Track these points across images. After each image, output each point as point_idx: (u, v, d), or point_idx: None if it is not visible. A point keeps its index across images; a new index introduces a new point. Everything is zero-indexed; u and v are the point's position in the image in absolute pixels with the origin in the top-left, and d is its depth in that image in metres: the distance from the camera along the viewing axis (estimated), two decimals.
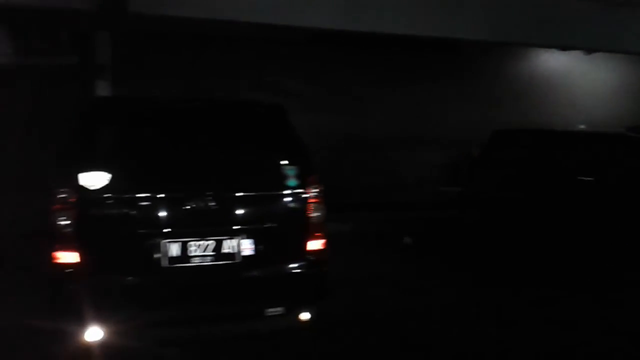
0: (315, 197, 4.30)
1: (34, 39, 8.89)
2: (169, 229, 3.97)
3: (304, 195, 4.27)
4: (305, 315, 4.23)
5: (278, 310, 4.18)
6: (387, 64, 11.91)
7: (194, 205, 4.00)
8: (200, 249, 4.02)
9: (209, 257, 4.04)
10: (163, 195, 4.00)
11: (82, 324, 3.79)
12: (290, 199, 4.29)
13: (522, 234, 7.67)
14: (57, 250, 3.81)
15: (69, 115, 8.31)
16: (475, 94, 12.63)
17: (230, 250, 4.08)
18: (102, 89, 8.70)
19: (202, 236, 4.03)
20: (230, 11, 8.60)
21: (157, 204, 3.98)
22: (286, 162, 4.37)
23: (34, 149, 8.62)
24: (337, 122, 11.43)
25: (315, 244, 4.29)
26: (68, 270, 3.80)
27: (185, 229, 4.01)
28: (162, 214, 3.99)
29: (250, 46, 10.68)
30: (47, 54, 8.95)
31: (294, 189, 4.28)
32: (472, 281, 6.70)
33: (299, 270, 4.25)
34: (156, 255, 3.93)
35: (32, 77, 8.96)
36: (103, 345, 3.85)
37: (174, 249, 3.96)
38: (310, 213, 4.27)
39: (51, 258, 3.83)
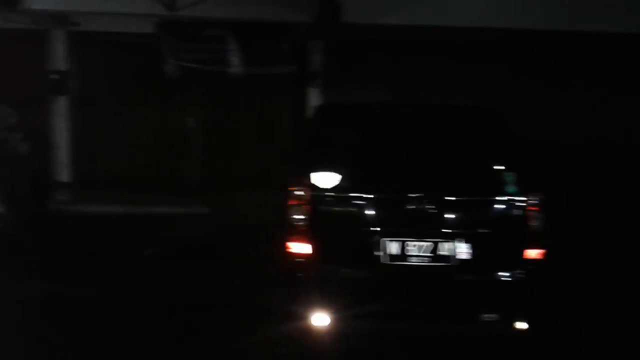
0: (534, 205, 4.22)
1: (259, 50, 9.85)
2: (389, 228, 4.20)
3: (523, 203, 4.23)
4: (521, 325, 4.17)
5: (493, 316, 4.20)
6: (590, 65, 11.01)
7: (413, 207, 4.19)
8: (417, 249, 4.18)
9: (426, 258, 4.18)
10: (384, 196, 4.25)
11: (310, 309, 4.19)
12: (508, 205, 4.28)
13: None
14: (291, 241, 4.25)
15: (291, 119, 9.17)
16: None
17: (447, 253, 4.18)
18: (314, 96, 9.36)
19: (420, 237, 4.19)
20: (434, 17, 8.81)
21: (379, 204, 4.24)
22: (506, 168, 4.37)
23: (259, 149, 9.60)
24: (534, 125, 10.85)
25: (533, 253, 4.22)
26: (300, 260, 4.23)
27: (404, 229, 4.20)
28: (383, 213, 4.23)
29: (445, 49, 10.65)
30: (270, 63, 9.87)
31: (513, 196, 4.26)
32: None
33: (515, 278, 4.22)
34: (376, 252, 4.18)
35: (258, 85, 9.97)
36: (328, 331, 4.21)
37: (394, 248, 4.18)
38: (529, 221, 4.21)
39: (285, 248, 4.29)
